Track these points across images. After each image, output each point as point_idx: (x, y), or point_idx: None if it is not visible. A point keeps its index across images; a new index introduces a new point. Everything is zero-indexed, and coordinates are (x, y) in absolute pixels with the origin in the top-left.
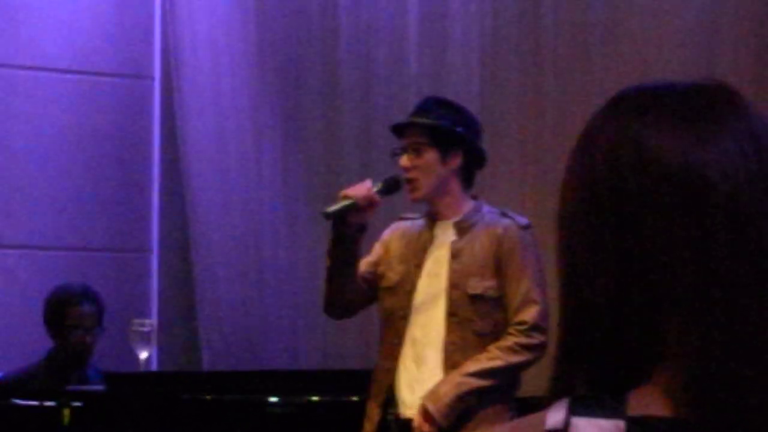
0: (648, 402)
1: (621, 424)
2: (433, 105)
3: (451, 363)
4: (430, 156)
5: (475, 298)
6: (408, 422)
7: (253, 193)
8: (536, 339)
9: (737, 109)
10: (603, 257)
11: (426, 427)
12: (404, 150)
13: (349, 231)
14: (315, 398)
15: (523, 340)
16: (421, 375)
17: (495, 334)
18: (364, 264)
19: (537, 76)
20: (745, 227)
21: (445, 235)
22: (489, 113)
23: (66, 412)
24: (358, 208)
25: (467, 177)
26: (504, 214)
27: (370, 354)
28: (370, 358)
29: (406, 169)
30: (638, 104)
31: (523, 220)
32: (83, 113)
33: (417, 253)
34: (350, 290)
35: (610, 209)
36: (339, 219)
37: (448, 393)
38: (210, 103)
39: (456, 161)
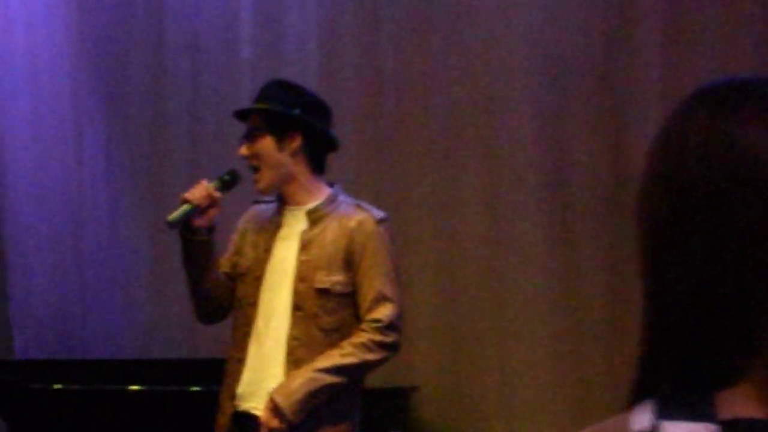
0: (740, 402)
1: (713, 427)
2: (273, 88)
3: (293, 358)
4: (266, 142)
5: (321, 293)
6: (243, 415)
7: (73, 180)
8: (390, 337)
9: None
10: (694, 256)
11: (274, 422)
12: (244, 138)
13: (197, 236)
14: (134, 387)
15: (378, 337)
16: (261, 368)
17: (341, 330)
18: (224, 261)
19: (376, 67)
20: None
21: (297, 223)
22: (326, 96)
23: None
24: (200, 210)
25: (314, 161)
26: (359, 207)
27: (193, 343)
28: (193, 347)
29: (246, 158)
30: (726, 100)
31: (379, 214)
32: None
33: (267, 239)
34: (217, 294)
35: (703, 210)
36: (184, 225)
37: (300, 389)
38: (25, 85)
39: (294, 145)
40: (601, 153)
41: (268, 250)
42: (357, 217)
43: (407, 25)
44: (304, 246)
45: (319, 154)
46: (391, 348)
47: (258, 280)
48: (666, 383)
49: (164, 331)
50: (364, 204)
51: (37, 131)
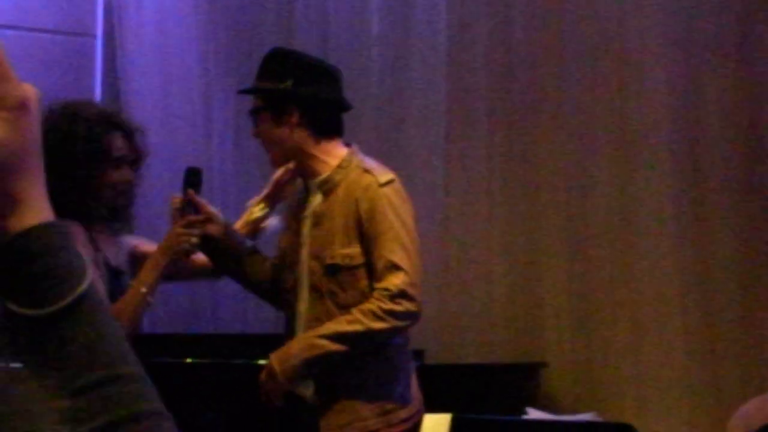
0: None
1: None
2: (267, 64)
3: None
4: (265, 121)
5: (332, 269)
6: (301, 400)
7: (202, 157)
8: (401, 306)
9: None
10: None
11: (268, 384)
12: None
13: (217, 245)
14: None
15: (387, 305)
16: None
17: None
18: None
19: (507, 41)
20: None
21: (315, 197)
22: (457, 74)
23: None
24: (202, 231)
25: (319, 128)
26: (366, 170)
27: None
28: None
29: (257, 138)
30: None
31: (384, 176)
32: (23, 71)
33: (296, 220)
34: (266, 277)
35: None
36: (203, 246)
37: (298, 355)
38: (155, 62)
39: (293, 118)
40: (737, 129)
41: (297, 232)
42: (363, 183)
43: (539, 0)
44: (317, 221)
45: (323, 120)
46: (404, 317)
47: (290, 264)
48: None
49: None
50: (372, 165)
51: (167, 109)
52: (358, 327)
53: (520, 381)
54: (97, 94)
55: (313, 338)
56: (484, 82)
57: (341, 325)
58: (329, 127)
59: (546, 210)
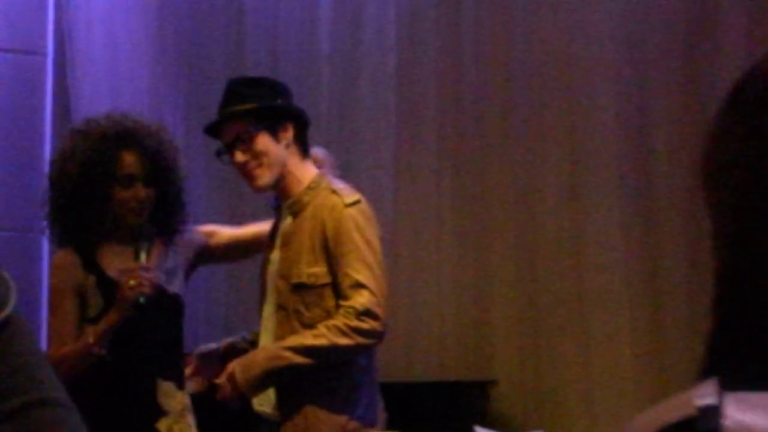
0: None
1: None
2: (239, 89)
3: None
4: (263, 140)
5: (298, 288)
6: (256, 415)
7: None
8: (367, 324)
9: None
10: None
11: (227, 390)
12: (231, 147)
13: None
14: None
15: (353, 322)
16: None
17: None
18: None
19: (455, 59)
20: None
21: (285, 220)
22: (406, 92)
23: None
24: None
25: (303, 146)
26: (334, 191)
27: None
28: None
29: (243, 164)
30: None
31: (350, 197)
32: None
33: (267, 245)
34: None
35: None
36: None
37: (261, 364)
38: (106, 79)
39: (288, 135)
40: (684, 142)
41: (268, 254)
42: (329, 204)
43: (487, 16)
44: (285, 242)
45: (304, 136)
46: (369, 335)
47: (261, 285)
48: (734, 359)
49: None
50: (340, 186)
51: None
52: (322, 341)
53: (470, 399)
54: (48, 112)
55: (277, 349)
56: (433, 101)
57: (306, 338)
58: (306, 146)
59: (495, 227)
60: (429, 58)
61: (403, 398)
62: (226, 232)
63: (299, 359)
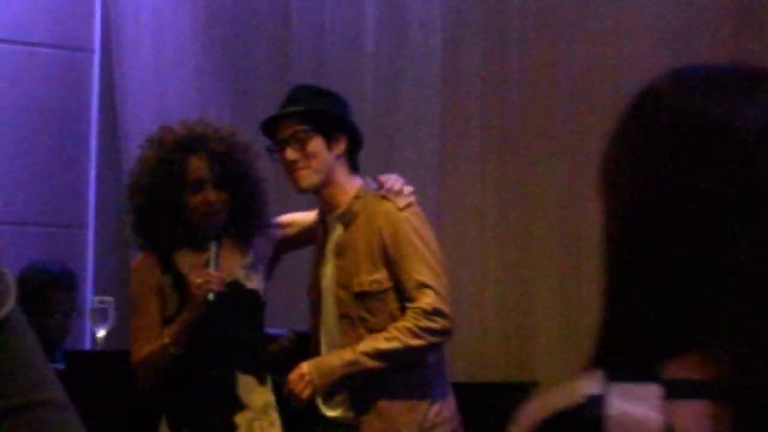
0: (683, 367)
1: (656, 387)
2: (304, 93)
3: None
4: (316, 143)
5: (361, 296)
6: (326, 420)
7: None
8: (437, 323)
9: None
10: (663, 226)
11: (302, 391)
12: (284, 143)
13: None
14: None
15: (424, 323)
16: None
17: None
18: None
19: (500, 59)
20: None
21: (334, 230)
22: (451, 93)
23: None
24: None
25: (352, 162)
26: (384, 197)
27: None
28: None
29: (293, 162)
30: (697, 82)
31: (402, 201)
32: (20, 84)
33: (318, 258)
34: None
35: (672, 187)
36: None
37: (337, 371)
38: (152, 77)
39: (341, 146)
40: None
41: (320, 266)
42: (382, 210)
43: (533, 18)
44: (340, 252)
45: (354, 154)
46: (439, 334)
47: (315, 303)
48: (619, 355)
49: None
50: (390, 192)
51: (162, 120)
52: (396, 344)
53: (511, 400)
54: (94, 109)
55: (353, 355)
56: (478, 101)
57: (379, 342)
58: (356, 164)
59: (539, 229)
60: (474, 59)
61: None
62: (301, 219)
63: (374, 363)
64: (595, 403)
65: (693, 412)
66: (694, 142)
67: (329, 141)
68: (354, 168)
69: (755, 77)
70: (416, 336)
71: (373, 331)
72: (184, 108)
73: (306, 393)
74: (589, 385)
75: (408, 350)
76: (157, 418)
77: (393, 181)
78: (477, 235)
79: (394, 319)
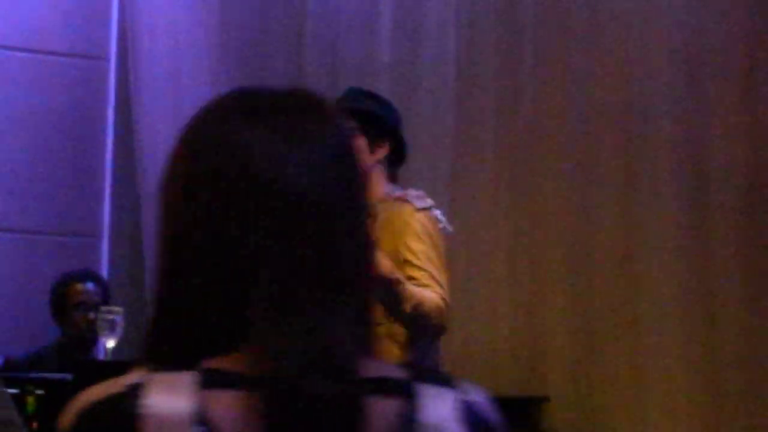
0: (222, 361)
1: (191, 377)
2: (358, 95)
3: None
4: (359, 142)
5: None
6: None
7: None
8: (443, 314)
9: (324, 117)
10: (200, 247)
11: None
12: None
13: None
14: None
15: (443, 305)
16: None
17: (386, 325)
18: None
19: (514, 72)
20: (326, 230)
21: None
22: (465, 105)
23: (30, 399)
24: None
25: (391, 170)
26: (405, 200)
27: None
28: None
29: None
30: (238, 108)
31: (421, 203)
32: (35, 93)
33: None
34: None
35: (209, 202)
36: None
37: (387, 265)
38: (167, 86)
39: (382, 151)
40: (742, 164)
41: None
42: (401, 210)
43: (547, 27)
44: None
45: (395, 164)
46: (439, 320)
47: None
48: (161, 350)
49: None
50: (410, 195)
51: (178, 130)
52: (420, 296)
53: (522, 415)
54: (109, 117)
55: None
56: (491, 112)
57: (420, 291)
58: (395, 174)
59: (550, 244)
60: (488, 69)
61: None
62: None
63: (408, 293)
64: (133, 391)
65: (226, 400)
66: (214, 172)
67: (372, 144)
68: (392, 178)
69: (279, 102)
70: (437, 308)
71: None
72: None
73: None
74: (133, 376)
75: (418, 307)
76: None
77: (417, 191)
78: (488, 247)
79: (387, 316)
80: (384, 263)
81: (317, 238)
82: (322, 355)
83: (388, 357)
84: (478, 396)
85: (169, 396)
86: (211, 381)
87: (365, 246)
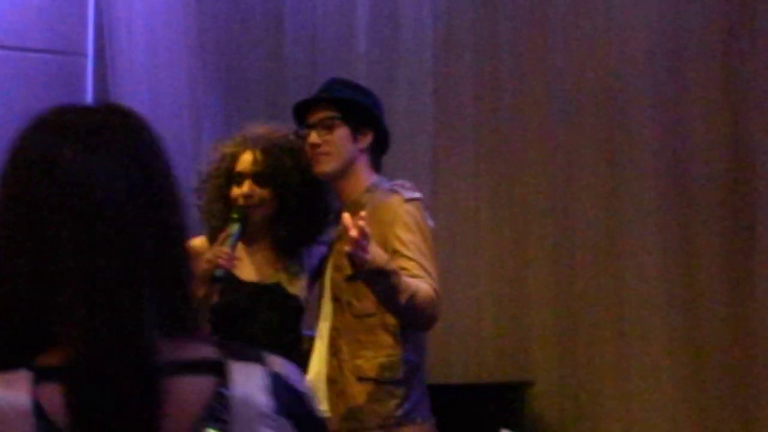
0: (49, 359)
1: (27, 373)
2: (339, 85)
3: (333, 349)
4: (342, 132)
5: (352, 279)
6: None
7: (190, 175)
8: (438, 304)
9: (130, 129)
10: (14, 254)
11: (358, 245)
12: (311, 128)
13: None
14: None
15: (435, 296)
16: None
17: (376, 315)
18: None
19: (493, 60)
20: (124, 230)
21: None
22: (442, 98)
23: None
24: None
25: (374, 159)
26: (393, 190)
27: None
28: None
29: (315, 146)
30: (53, 124)
31: (409, 194)
32: (12, 89)
33: (330, 247)
34: None
35: (24, 212)
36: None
37: (385, 258)
38: (145, 81)
39: (366, 140)
40: (720, 143)
41: (327, 259)
42: (389, 202)
43: (525, 16)
44: (339, 236)
45: (378, 153)
46: (433, 310)
47: (320, 285)
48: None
49: None
50: (399, 186)
51: (155, 127)
52: (418, 289)
53: (506, 400)
54: None
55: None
56: (470, 102)
57: (415, 282)
58: (379, 163)
59: (533, 230)
60: (466, 59)
61: (441, 399)
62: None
63: (406, 284)
64: None
65: (55, 393)
66: (26, 175)
67: (355, 133)
68: (376, 167)
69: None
70: (430, 300)
71: (357, 316)
72: (177, 112)
73: (357, 244)
74: None
75: (414, 296)
76: None
77: (405, 182)
78: (470, 236)
79: (379, 307)
80: (380, 255)
81: (117, 237)
82: (121, 343)
83: (379, 346)
84: (285, 369)
85: (7, 392)
86: (41, 376)
87: (171, 241)
